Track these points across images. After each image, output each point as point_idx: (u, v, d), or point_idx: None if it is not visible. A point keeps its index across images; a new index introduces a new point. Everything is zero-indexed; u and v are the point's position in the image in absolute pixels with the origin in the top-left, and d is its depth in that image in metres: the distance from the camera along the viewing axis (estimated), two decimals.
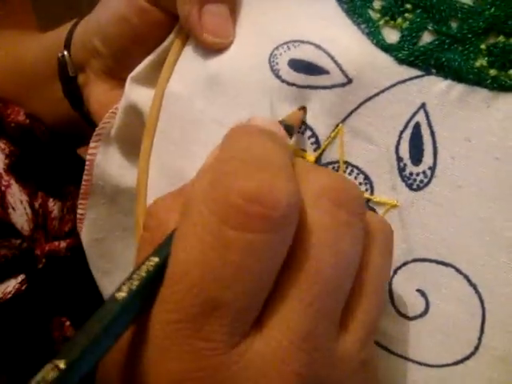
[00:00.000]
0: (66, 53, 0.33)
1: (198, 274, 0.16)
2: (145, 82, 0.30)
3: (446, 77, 0.22)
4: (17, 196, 0.34)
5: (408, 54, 0.23)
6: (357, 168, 0.23)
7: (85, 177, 0.33)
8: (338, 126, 0.23)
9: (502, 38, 0.22)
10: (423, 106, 0.23)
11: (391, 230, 0.21)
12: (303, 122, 0.24)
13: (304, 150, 0.24)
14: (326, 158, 0.24)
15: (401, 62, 0.23)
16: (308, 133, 0.24)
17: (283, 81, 0.25)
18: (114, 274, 0.35)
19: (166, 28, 0.29)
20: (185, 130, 0.27)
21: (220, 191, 0.17)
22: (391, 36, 0.23)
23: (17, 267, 0.34)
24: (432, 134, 0.23)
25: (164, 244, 0.18)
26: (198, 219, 0.17)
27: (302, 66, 0.24)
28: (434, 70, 0.23)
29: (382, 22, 0.23)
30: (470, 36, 0.22)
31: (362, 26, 0.23)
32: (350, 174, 0.24)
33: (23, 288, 0.33)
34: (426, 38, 0.23)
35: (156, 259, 0.17)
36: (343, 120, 0.23)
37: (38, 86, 0.36)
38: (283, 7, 0.26)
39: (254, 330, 0.17)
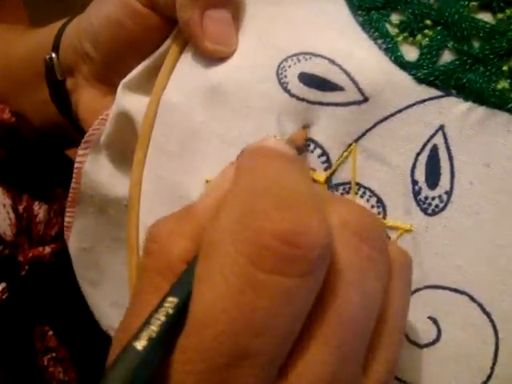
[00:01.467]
0: (53, 55, 0.31)
1: (225, 321, 0.15)
2: (138, 89, 0.28)
3: (466, 98, 0.21)
4: (0, 200, 0.32)
5: (427, 74, 0.22)
6: (369, 190, 0.22)
7: (73, 185, 0.31)
8: (351, 145, 0.22)
9: None
10: (441, 127, 0.22)
11: (411, 261, 0.20)
12: (312, 140, 0.23)
13: (313, 169, 0.23)
14: (337, 179, 0.23)
15: (420, 81, 0.22)
16: (318, 151, 0.23)
17: (292, 95, 0.23)
18: (102, 285, 0.33)
19: (162, 33, 0.27)
20: (183, 143, 0.25)
21: (251, 231, 0.15)
22: (410, 53, 0.22)
23: None
24: (450, 157, 0.22)
25: (181, 282, 0.16)
26: (225, 260, 0.15)
27: (313, 81, 0.23)
28: (454, 91, 0.22)
29: (400, 38, 0.22)
30: (492, 57, 0.21)
31: (379, 41, 0.22)
32: (362, 196, 0.23)
33: (4, 297, 0.31)
34: (447, 56, 0.22)
35: (175, 300, 0.15)
36: (357, 139, 0.22)
37: (24, 86, 0.33)
38: (291, 16, 0.24)
39: (280, 376, 0.16)
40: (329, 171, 0.23)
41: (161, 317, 0.15)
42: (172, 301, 0.15)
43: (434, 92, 0.22)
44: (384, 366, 0.18)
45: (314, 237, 0.15)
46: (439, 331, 0.23)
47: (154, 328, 0.15)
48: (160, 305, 0.15)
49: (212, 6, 0.24)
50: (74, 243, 0.32)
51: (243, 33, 0.25)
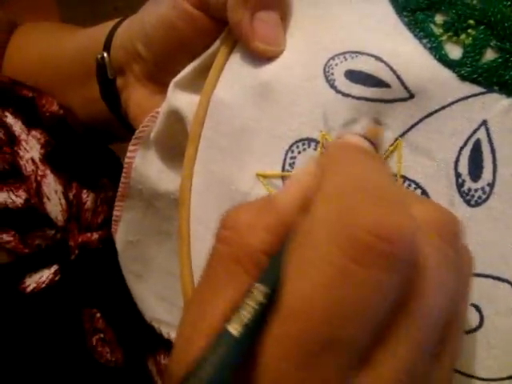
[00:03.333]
0: (105, 54, 0.33)
1: (321, 310, 0.16)
2: (188, 88, 0.29)
3: (508, 95, 0.22)
4: (52, 186, 0.33)
5: (471, 71, 0.23)
6: (414, 182, 0.23)
7: (122, 179, 0.32)
8: (396, 140, 0.23)
9: None
10: (484, 123, 0.23)
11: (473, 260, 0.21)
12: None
13: None
14: None
15: (463, 78, 0.23)
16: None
17: (338, 91, 0.24)
18: (146, 277, 0.34)
19: (212, 34, 0.28)
20: (233, 138, 0.27)
21: (346, 225, 0.16)
22: (453, 52, 0.23)
23: (50, 258, 0.33)
24: (492, 151, 0.23)
25: (268, 272, 0.17)
26: (320, 252, 0.16)
27: (360, 78, 0.24)
28: (496, 88, 0.23)
29: (444, 38, 0.23)
30: None
31: (424, 41, 0.23)
32: (407, 188, 0.24)
33: (56, 279, 0.32)
34: (489, 54, 0.23)
35: (266, 289, 0.16)
36: (402, 134, 0.23)
37: (73, 82, 0.35)
38: (336, 17, 0.26)
39: (361, 364, 0.17)
40: None
41: (252, 304, 0.16)
42: (262, 289, 0.16)
43: (477, 89, 0.23)
44: (451, 357, 0.19)
45: (405, 233, 0.16)
46: (482, 318, 0.23)
47: (246, 315, 0.15)
48: (249, 292, 0.16)
49: (262, 8, 0.26)
50: (121, 236, 0.33)
51: (290, 33, 0.26)
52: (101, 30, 0.33)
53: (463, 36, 0.23)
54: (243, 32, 0.26)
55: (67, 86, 0.35)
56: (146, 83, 0.32)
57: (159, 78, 0.31)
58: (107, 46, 0.32)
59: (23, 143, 0.33)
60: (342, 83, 0.24)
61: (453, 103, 0.23)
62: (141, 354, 0.36)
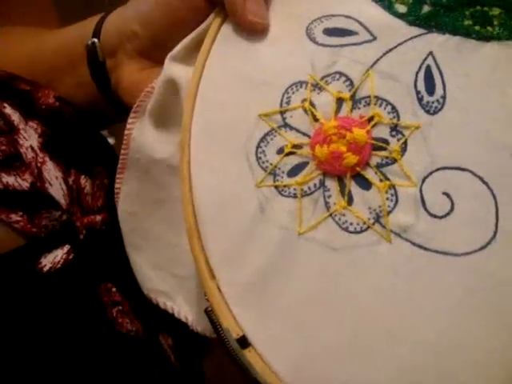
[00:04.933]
0: (96, 40, 0.39)
1: None
2: (183, 61, 0.35)
3: (443, 33, 0.31)
4: (52, 172, 0.36)
5: (415, 19, 0.31)
6: (385, 101, 0.30)
7: (122, 151, 0.37)
8: (367, 70, 0.31)
9: (479, 7, 0.31)
10: (430, 53, 0.30)
11: None
12: (338, 72, 0.31)
13: (340, 91, 0.31)
14: (359, 95, 0.31)
15: (410, 24, 0.31)
16: (343, 78, 0.31)
17: (320, 44, 0.32)
18: (144, 248, 0.37)
19: (204, 13, 0.35)
20: (234, 91, 0.33)
21: None
22: (400, 8, 0.32)
23: (61, 238, 0.35)
24: (440, 72, 0.30)
25: None
26: None
27: (334, 32, 0.32)
28: (434, 29, 0.31)
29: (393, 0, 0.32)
30: (457, 6, 0.31)
31: (379, 3, 0.32)
32: (380, 105, 0.30)
33: (70, 257, 0.35)
34: (426, 8, 0.31)
35: None
36: (371, 66, 0.31)
37: (62, 72, 0.40)
38: None
39: None
40: (352, 90, 0.30)
41: None
42: None
43: (421, 31, 0.31)
44: None
45: None
46: (452, 203, 0.29)
47: None
48: None
49: None
50: (121, 209, 0.37)
51: (272, 9, 0.34)
52: (88, 22, 0.39)
53: None
54: (238, 10, 0.33)
55: (57, 76, 0.40)
56: (139, 60, 0.37)
57: (154, 54, 0.36)
58: (97, 33, 0.38)
59: (22, 132, 0.37)
60: (322, 38, 0.32)
61: (406, 41, 0.31)
62: (155, 327, 0.37)
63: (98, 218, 0.38)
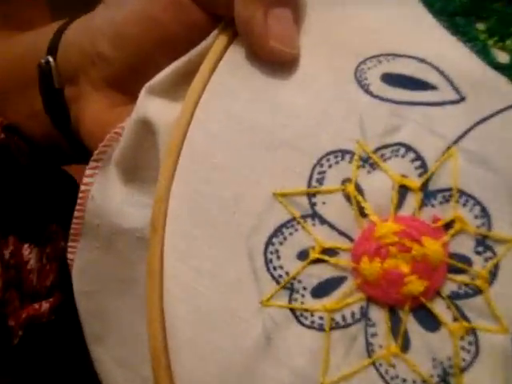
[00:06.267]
0: (50, 59, 0.27)
1: None
2: (166, 94, 0.24)
3: None
4: None
5: None
6: (472, 198, 0.20)
7: (76, 213, 0.25)
8: (449, 148, 0.20)
9: None
10: None
11: None
12: (403, 144, 0.20)
13: (404, 176, 0.20)
14: (434, 185, 0.20)
15: None
16: (411, 155, 0.20)
17: (375, 96, 0.21)
18: (106, 339, 0.26)
19: (203, 30, 0.24)
20: (236, 153, 0.22)
21: None
22: (500, 57, 0.21)
23: None
24: None
25: None
26: None
27: (400, 81, 0.21)
28: None
29: (490, 43, 0.21)
30: None
31: (469, 44, 0.21)
32: (464, 204, 0.20)
33: None
34: None
35: None
36: (455, 142, 0.20)
37: (11, 96, 0.28)
38: (360, 18, 0.23)
39: None
40: (425, 176, 0.20)
41: None
42: None
43: None
44: None
45: None
46: None
47: None
48: None
49: (276, 4, 0.23)
50: (76, 287, 0.26)
51: (307, 33, 0.23)
52: (43, 33, 0.28)
53: (509, 42, 0.21)
54: (256, 30, 0.22)
55: (5, 101, 0.29)
56: (107, 92, 0.26)
57: (127, 85, 0.26)
58: (53, 50, 0.27)
59: None
60: (379, 87, 0.21)
61: (507, 108, 0.20)
62: None
63: (45, 305, 0.26)
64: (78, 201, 0.25)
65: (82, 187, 0.25)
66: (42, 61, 0.28)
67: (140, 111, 0.24)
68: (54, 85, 0.28)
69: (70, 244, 0.26)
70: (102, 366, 0.27)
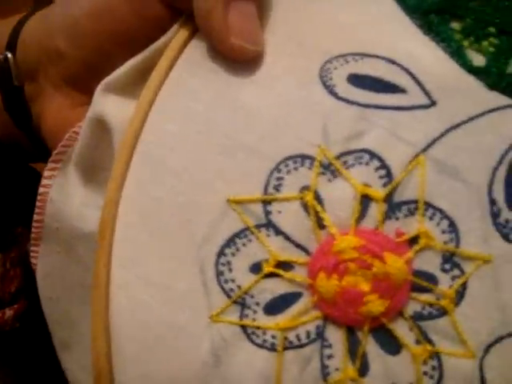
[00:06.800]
0: (9, 55, 0.25)
1: None
2: (122, 92, 0.23)
3: None
4: None
5: (498, 80, 0.19)
6: (440, 211, 0.18)
7: (36, 216, 0.23)
8: (417, 156, 0.19)
9: None
10: None
11: None
12: (367, 151, 0.19)
13: (367, 185, 0.19)
14: (399, 197, 0.18)
15: (491, 87, 0.19)
16: (375, 163, 0.19)
17: (340, 98, 0.19)
18: (74, 346, 0.24)
19: (162, 24, 0.22)
20: (194, 153, 0.20)
21: None
22: (476, 59, 0.20)
23: None
24: None
25: None
26: None
27: (367, 83, 0.19)
28: None
29: (465, 44, 0.20)
30: None
31: (442, 45, 0.20)
32: (431, 218, 0.18)
33: None
34: None
35: None
36: (424, 149, 0.19)
37: None
38: (328, 15, 0.21)
39: None
40: (389, 186, 0.18)
41: None
42: None
43: (506, 100, 0.19)
44: None
45: None
46: None
47: None
48: None
49: None
50: (41, 292, 0.24)
51: (271, 32, 0.21)
52: (4, 24, 0.26)
53: (485, 43, 0.20)
54: (215, 25, 0.20)
55: None
56: (66, 90, 0.25)
57: (85, 83, 0.24)
58: (11, 45, 0.25)
59: None
60: (345, 89, 0.19)
61: (481, 115, 0.19)
62: None
63: (9, 313, 0.25)
64: (37, 203, 0.24)
65: (41, 189, 0.23)
66: (1, 57, 0.26)
67: (95, 109, 0.23)
68: (13, 82, 0.26)
69: (32, 248, 0.24)
70: (71, 374, 0.25)
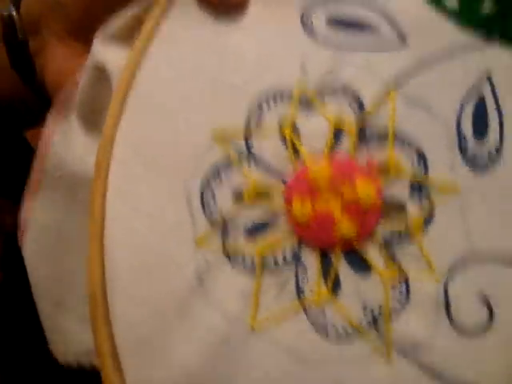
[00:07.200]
0: (13, 12, 0.27)
1: None
2: (119, 40, 0.24)
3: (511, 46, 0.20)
4: None
5: (469, 20, 0.20)
6: (409, 142, 0.19)
7: (36, 166, 0.25)
8: (389, 92, 0.20)
9: None
10: (489, 78, 0.20)
11: None
12: (341, 86, 0.20)
13: (342, 119, 0.20)
14: (371, 129, 0.20)
15: (462, 27, 0.20)
16: (348, 97, 0.20)
17: (318, 40, 0.21)
18: (68, 302, 0.25)
19: None
20: (184, 93, 0.21)
21: None
22: (449, 2, 0.21)
23: None
24: (498, 109, 0.19)
25: None
26: None
27: (344, 24, 0.21)
28: (498, 41, 0.20)
29: None
30: None
31: None
32: (400, 148, 0.19)
33: None
34: (489, 5, 0.20)
35: None
36: (396, 86, 0.20)
37: None
38: None
39: None
40: (361, 119, 0.19)
41: None
42: None
43: (478, 41, 0.20)
44: None
45: None
46: (491, 314, 0.19)
47: None
48: None
49: None
50: (31, 247, 0.25)
51: None
52: None
53: None
54: None
55: None
56: (69, 42, 0.26)
57: (87, 34, 0.25)
58: (16, 1, 0.27)
59: None
60: (324, 31, 0.21)
61: (452, 53, 0.20)
62: None
63: None
64: (37, 152, 0.25)
65: (43, 138, 0.25)
66: (5, 13, 0.27)
67: (94, 57, 0.24)
68: (17, 37, 0.27)
69: (25, 204, 0.26)
70: (65, 333, 0.26)
